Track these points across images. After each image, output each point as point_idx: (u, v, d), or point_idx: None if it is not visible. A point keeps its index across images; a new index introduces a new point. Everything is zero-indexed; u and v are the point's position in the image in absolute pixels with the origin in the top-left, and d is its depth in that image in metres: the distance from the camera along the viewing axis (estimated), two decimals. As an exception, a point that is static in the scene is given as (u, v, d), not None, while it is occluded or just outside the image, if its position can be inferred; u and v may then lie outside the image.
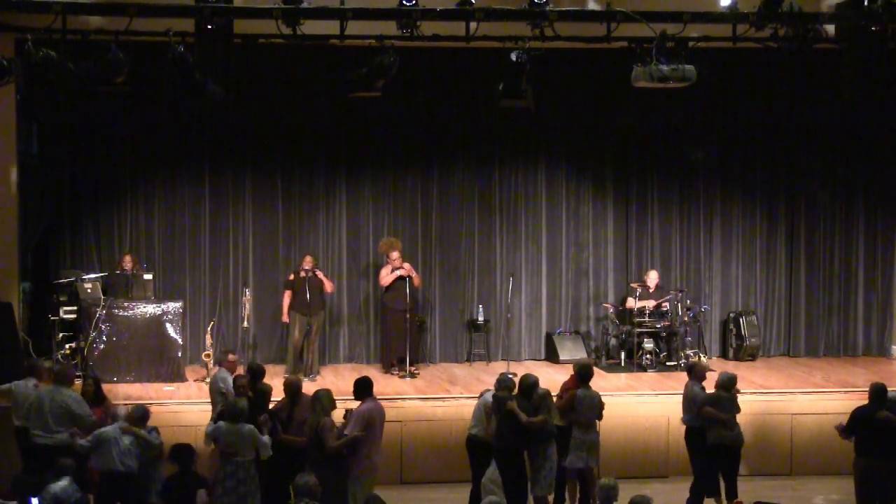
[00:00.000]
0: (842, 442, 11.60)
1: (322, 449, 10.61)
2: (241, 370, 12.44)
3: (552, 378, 14.04)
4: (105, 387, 12.43)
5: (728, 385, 11.94)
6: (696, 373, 12.28)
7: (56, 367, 12.15)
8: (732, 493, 11.98)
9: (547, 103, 14.88)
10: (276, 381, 12.20)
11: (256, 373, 11.89)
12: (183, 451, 10.63)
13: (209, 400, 12.29)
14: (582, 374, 11.86)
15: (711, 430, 11.88)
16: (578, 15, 12.13)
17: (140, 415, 10.87)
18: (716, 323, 16.99)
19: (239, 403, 10.92)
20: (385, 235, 16.19)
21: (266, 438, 10.77)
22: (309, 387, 13.29)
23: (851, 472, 11.79)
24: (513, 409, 11.11)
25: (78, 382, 12.28)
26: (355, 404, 11.16)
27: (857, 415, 11.25)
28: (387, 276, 15.41)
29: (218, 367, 12.56)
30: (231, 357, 12.51)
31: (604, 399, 12.11)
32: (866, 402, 11.38)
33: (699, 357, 15.78)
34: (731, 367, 14.79)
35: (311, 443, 10.77)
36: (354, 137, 16.29)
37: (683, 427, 12.38)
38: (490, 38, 12.55)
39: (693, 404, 12.03)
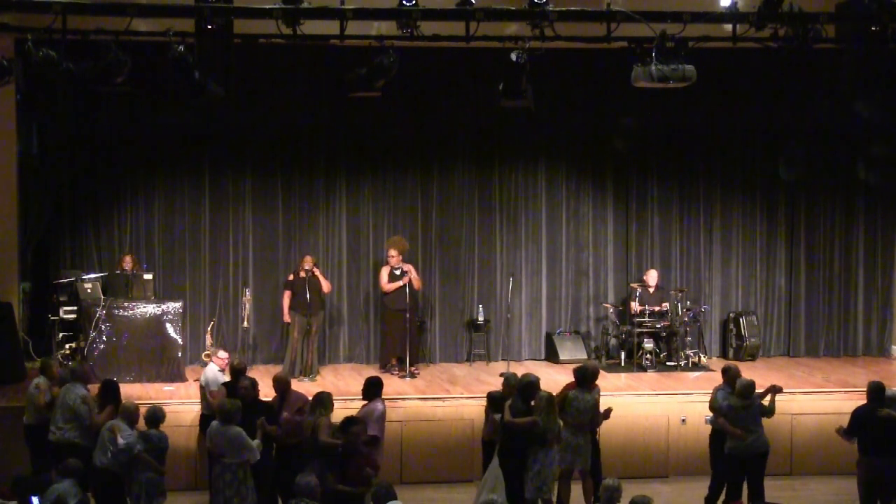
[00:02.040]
0: (842, 442, 11.58)
1: (318, 447, 10.63)
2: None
3: (552, 378, 14.05)
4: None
5: (744, 393, 11.70)
6: (729, 378, 12.06)
7: (77, 366, 12.31)
8: (754, 496, 11.81)
9: (547, 103, 14.87)
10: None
11: (236, 371, 11.97)
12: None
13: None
14: (577, 377, 11.83)
15: (728, 439, 11.79)
16: (578, 15, 12.12)
17: (147, 415, 10.87)
18: (716, 323, 16.99)
19: (228, 405, 10.93)
20: (385, 235, 16.23)
21: (255, 442, 10.74)
22: (310, 387, 13.35)
23: (851, 472, 11.79)
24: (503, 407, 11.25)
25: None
26: (357, 404, 11.20)
27: (858, 414, 11.24)
28: (386, 285, 15.38)
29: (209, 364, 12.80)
30: (222, 354, 12.73)
31: (604, 399, 12.08)
32: (864, 402, 11.38)
33: (699, 357, 15.76)
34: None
35: (307, 442, 10.76)
36: (354, 137, 16.28)
37: (683, 427, 12.38)
38: (490, 38, 12.55)
39: (713, 410, 12.03)
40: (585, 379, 11.77)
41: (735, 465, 11.75)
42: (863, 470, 11.17)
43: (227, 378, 12.27)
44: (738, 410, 11.67)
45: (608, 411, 12.00)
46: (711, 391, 12.29)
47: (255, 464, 10.86)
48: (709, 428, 12.32)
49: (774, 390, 11.92)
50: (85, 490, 10.35)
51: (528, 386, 11.33)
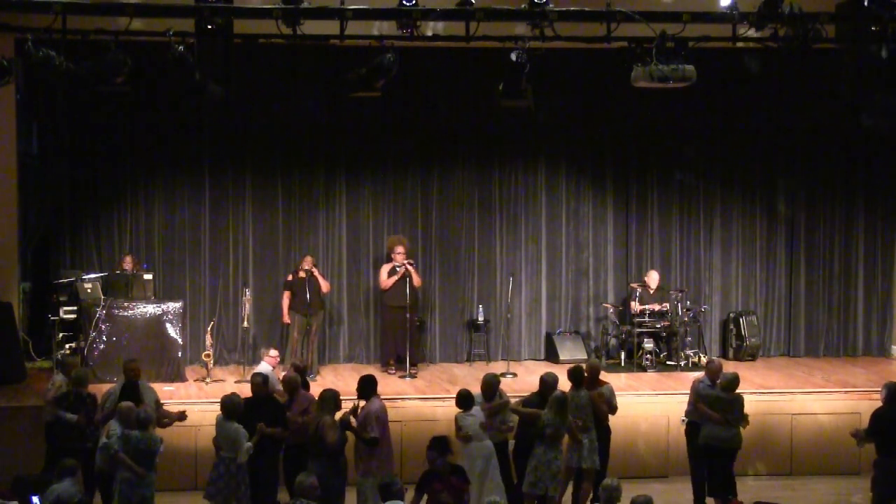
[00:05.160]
0: (842, 441, 11.60)
1: (322, 446, 10.63)
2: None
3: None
4: (105, 386, 12.43)
5: (727, 387, 11.88)
6: (710, 371, 12.30)
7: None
8: (724, 492, 11.92)
9: (547, 103, 14.87)
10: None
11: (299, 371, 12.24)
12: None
13: (217, 400, 12.34)
14: (569, 376, 11.91)
15: (704, 428, 11.92)
16: (578, 15, 12.11)
17: (137, 417, 10.89)
18: (716, 323, 16.99)
19: (235, 400, 10.96)
20: (385, 235, 16.24)
21: (247, 445, 10.75)
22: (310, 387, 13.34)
23: (851, 472, 11.82)
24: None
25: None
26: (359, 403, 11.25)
27: (879, 416, 11.16)
28: (386, 280, 15.41)
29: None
30: (273, 353, 12.93)
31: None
32: (869, 402, 11.35)
33: (699, 357, 15.79)
34: (730, 367, 14.77)
35: (312, 440, 10.76)
36: (354, 137, 16.29)
37: (684, 427, 12.43)
38: (490, 38, 12.54)
39: (694, 397, 12.16)
40: (576, 379, 11.82)
41: (709, 455, 11.89)
42: (882, 470, 11.06)
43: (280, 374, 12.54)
44: (722, 403, 11.81)
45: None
46: (692, 383, 12.40)
47: (256, 464, 10.87)
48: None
49: (744, 420, 12.01)
50: (88, 489, 10.41)
51: (543, 383, 11.56)
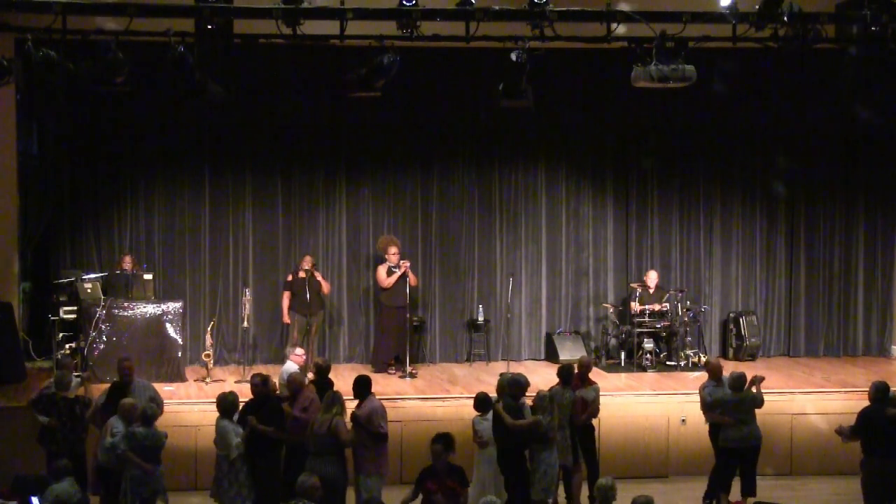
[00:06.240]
0: (841, 442, 11.58)
1: (337, 445, 10.65)
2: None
3: (552, 378, 14.02)
4: (105, 386, 12.44)
5: (735, 385, 11.94)
6: (709, 371, 12.38)
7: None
8: (747, 491, 12.00)
9: (547, 103, 14.88)
10: (275, 380, 12.19)
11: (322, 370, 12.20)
12: None
13: (213, 400, 12.36)
14: (558, 374, 11.98)
15: (722, 432, 11.99)
16: (578, 15, 12.12)
17: (144, 414, 10.91)
18: (716, 323, 16.99)
19: (229, 398, 10.98)
20: (385, 235, 16.23)
21: (236, 441, 10.77)
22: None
23: (851, 472, 11.78)
24: (498, 410, 11.14)
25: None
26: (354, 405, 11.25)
27: (865, 415, 11.20)
28: (387, 279, 15.39)
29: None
30: (299, 351, 12.91)
31: (604, 399, 12.15)
32: (867, 402, 11.37)
33: (699, 357, 15.79)
34: (730, 367, 14.78)
35: (322, 440, 10.74)
36: (354, 137, 16.28)
37: (683, 427, 12.46)
38: (490, 38, 12.56)
39: (703, 405, 12.21)
40: (564, 377, 11.87)
41: (730, 459, 11.91)
42: (868, 471, 11.11)
43: (310, 376, 12.44)
44: (736, 403, 11.86)
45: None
46: (698, 391, 12.41)
47: (258, 461, 10.88)
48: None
49: (757, 380, 12.04)
50: (83, 487, 10.39)
51: (517, 385, 11.33)
